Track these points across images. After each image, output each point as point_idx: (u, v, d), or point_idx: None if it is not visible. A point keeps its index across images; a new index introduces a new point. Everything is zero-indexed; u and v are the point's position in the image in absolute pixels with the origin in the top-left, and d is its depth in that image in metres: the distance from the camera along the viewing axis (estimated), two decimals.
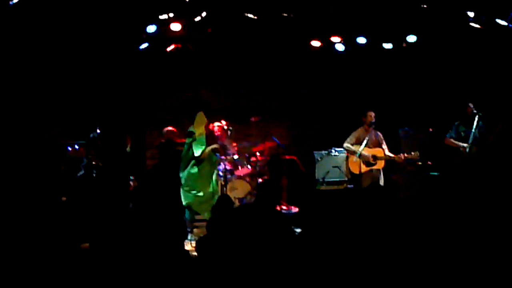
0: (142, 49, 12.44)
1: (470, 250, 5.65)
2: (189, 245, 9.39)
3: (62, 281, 5.43)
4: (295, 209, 12.28)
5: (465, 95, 11.95)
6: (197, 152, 10.65)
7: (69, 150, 11.81)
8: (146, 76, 13.59)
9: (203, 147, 10.65)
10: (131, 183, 11.94)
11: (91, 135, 11.54)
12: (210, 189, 10.66)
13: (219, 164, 11.40)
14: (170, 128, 12.31)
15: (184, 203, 10.54)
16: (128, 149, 11.85)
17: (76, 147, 11.78)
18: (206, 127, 10.82)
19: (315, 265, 5.54)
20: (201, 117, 10.92)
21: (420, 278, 5.30)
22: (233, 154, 12.01)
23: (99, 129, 11.51)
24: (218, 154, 10.97)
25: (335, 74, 14.52)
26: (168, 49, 12.85)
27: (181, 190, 10.66)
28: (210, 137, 10.84)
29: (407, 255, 5.57)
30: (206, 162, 10.66)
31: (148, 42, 12.35)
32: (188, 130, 11.10)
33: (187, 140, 11.16)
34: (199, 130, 10.82)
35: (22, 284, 5.42)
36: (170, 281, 5.39)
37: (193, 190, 10.57)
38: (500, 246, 5.70)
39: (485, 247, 5.69)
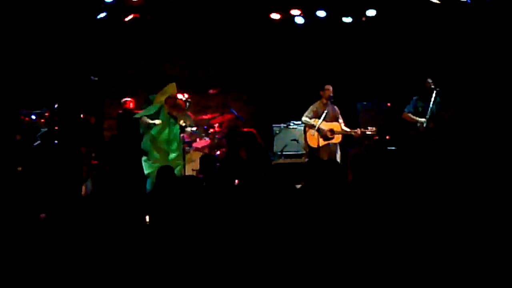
0: (100, 18, 12.29)
1: (423, 224, 5.69)
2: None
3: (17, 252, 5.37)
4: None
5: (423, 70, 12.01)
6: (138, 114, 10.64)
7: (25, 120, 11.66)
8: (104, 46, 13.44)
9: (149, 113, 10.59)
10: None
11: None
12: (169, 157, 10.55)
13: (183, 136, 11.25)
14: (128, 98, 12.24)
15: (145, 173, 10.47)
16: (92, 119, 11.80)
17: (33, 116, 11.64)
18: (170, 98, 10.71)
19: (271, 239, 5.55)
20: (171, 87, 10.82)
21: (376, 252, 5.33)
22: (192, 126, 11.94)
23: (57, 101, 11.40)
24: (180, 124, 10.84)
25: (295, 47, 14.50)
26: (127, 19, 12.70)
27: (142, 160, 10.59)
28: (175, 109, 10.76)
29: (365, 230, 5.60)
30: (160, 130, 10.57)
31: (106, 11, 12.20)
32: (149, 96, 11.07)
33: (143, 107, 11.12)
34: (160, 98, 10.73)
35: None
36: (129, 252, 5.36)
37: (150, 159, 10.50)
38: (453, 221, 5.74)
39: (439, 221, 5.74)
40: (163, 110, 10.64)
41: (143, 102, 12.05)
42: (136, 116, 10.79)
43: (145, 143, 10.59)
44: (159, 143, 10.54)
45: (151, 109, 10.68)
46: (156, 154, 10.51)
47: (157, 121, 10.52)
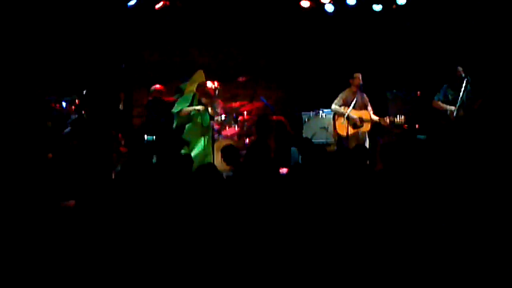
0: (131, 5, 12.33)
1: (455, 214, 5.66)
2: None
3: (46, 239, 5.42)
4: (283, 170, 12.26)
5: (454, 59, 11.93)
6: (176, 108, 10.65)
7: (56, 107, 11.73)
8: (134, 33, 13.48)
9: (186, 104, 10.62)
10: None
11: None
12: (197, 151, 10.58)
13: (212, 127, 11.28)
14: (157, 86, 12.26)
15: (193, 155, 10.48)
16: (120, 106, 11.83)
17: (64, 103, 11.71)
18: (200, 86, 10.74)
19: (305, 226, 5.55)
20: (199, 75, 10.85)
21: (404, 243, 5.31)
22: (220, 114, 11.96)
23: (86, 88, 11.45)
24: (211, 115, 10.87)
25: (324, 35, 14.45)
26: (157, 6, 12.73)
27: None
28: (204, 96, 10.79)
29: (395, 219, 5.58)
30: (194, 123, 10.61)
31: None
32: (179, 86, 11.10)
33: (175, 96, 11.15)
34: (190, 87, 10.77)
35: (7, 243, 5.40)
36: (159, 243, 5.38)
37: (193, 149, 10.54)
38: (484, 211, 5.70)
39: (471, 212, 5.70)
40: (196, 98, 10.68)
41: (173, 90, 12.09)
42: (174, 110, 10.78)
43: (188, 133, 10.62)
44: (196, 132, 10.59)
45: (185, 100, 10.70)
46: (199, 143, 10.57)
47: (198, 107, 10.57)
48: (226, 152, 8.10)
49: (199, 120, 10.58)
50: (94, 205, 5.97)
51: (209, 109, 10.83)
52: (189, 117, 10.66)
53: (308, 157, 7.75)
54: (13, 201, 6.60)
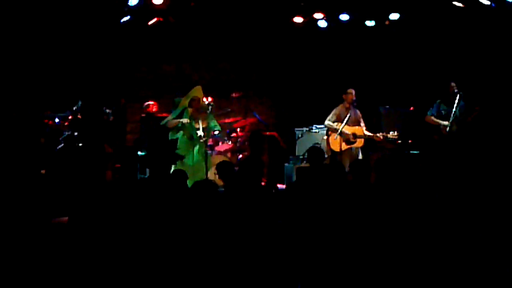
0: (124, 22, 12.34)
1: (448, 225, 5.67)
2: None
3: (38, 254, 5.40)
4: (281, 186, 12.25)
5: (447, 74, 11.96)
6: (165, 120, 10.69)
7: (49, 123, 11.73)
8: (127, 49, 13.49)
9: (172, 117, 10.69)
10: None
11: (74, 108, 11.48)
12: (190, 162, 10.60)
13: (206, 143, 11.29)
14: (150, 102, 12.28)
15: None
16: (111, 118, 11.85)
17: (56, 120, 11.70)
18: (194, 100, 10.78)
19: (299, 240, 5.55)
20: (194, 90, 10.90)
21: (400, 253, 5.32)
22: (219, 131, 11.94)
23: (81, 103, 11.44)
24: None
25: (317, 51, 14.47)
26: (150, 22, 12.74)
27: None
28: (197, 111, 10.83)
29: (391, 232, 5.58)
30: (183, 136, 10.64)
31: (130, 15, 12.25)
32: (175, 100, 11.14)
33: (171, 110, 11.21)
34: (184, 101, 10.81)
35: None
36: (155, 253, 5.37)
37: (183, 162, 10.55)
38: (477, 219, 5.72)
39: (463, 223, 5.72)
40: (186, 112, 10.71)
41: (166, 105, 12.12)
42: (162, 122, 10.80)
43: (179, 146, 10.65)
44: (185, 145, 10.61)
45: (174, 114, 10.77)
46: (188, 155, 10.60)
47: (184, 120, 10.61)
48: (221, 168, 8.08)
49: (188, 131, 10.63)
50: (87, 221, 5.96)
51: (200, 123, 10.85)
52: (178, 130, 10.69)
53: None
54: (6, 216, 6.58)
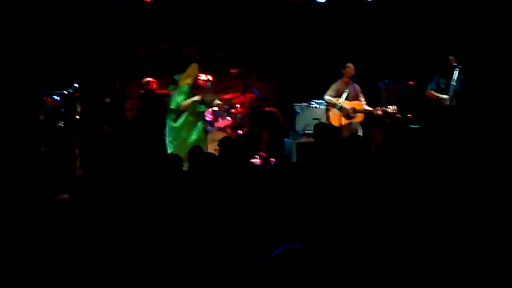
0: None
1: (448, 203, 5.66)
2: None
3: (40, 233, 5.40)
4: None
5: (445, 47, 11.94)
6: (174, 103, 10.60)
7: (47, 100, 11.71)
8: (125, 26, 13.44)
9: (182, 97, 10.58)
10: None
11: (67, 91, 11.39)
12: (195, 137, 10.58)
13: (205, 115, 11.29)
14: (149, 78, 12.25)
15: (168, 152, 10.48)
16: (107, 99, 11.81)
17: (56, 97, 11.66)
18: (195, 79, 10.72)
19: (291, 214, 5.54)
20: (193, 68, 10.83)
21: (398, 232, 5.31)
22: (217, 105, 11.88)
23: (77, 82, 11.39)
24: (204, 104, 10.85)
25: (315, 26, 14.44)
26: None
27: (166, 139, 10.64)
28: (197, 89, 10.77)
29: (390, 208, 5.57)
30: (190, 112, 10.60)
31: None
32: (174, 77, 11.07)
33: (169, 88, 11.13)
34: (185, 80, 10.74)
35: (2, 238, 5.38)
36: (151, 233, 5.37)
37: (176, 140, 10.52)
38: (479, 202, 5.71)
39: (463, 202, 5.70)
40: (191, 90, 10.66)
41: (165, 82, 12.09)
42: (172, 106, 10.69)
43: (170, 126, 10.60)
44: (187, 124, 10.58)
45: (182, 93, 10.66)
46: (182, 134, 10.55)
47: (196, 98, 10.57)
48: (224, 144, 8.06)
49: (195, 108, 10.61)
50: (87, 198, 5.96)
51: (207, 99, 10.84)
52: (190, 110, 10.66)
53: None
54: (7, 195, 6.58)
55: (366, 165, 6.85)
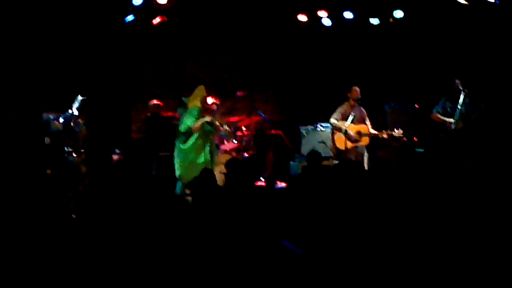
0: (128, 21, 12.34)
1: (455, 225, 5.65)
2: None
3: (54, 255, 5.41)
4: (281, 184, 12.21)
5: (451, 71, 11.96)
6: (184, 126, 10.56)
7: (53, 123, 11.72)
8: (131, 48, 13.48)
9: (192, 120, 10.54)
10: (115, 156, 11.92)
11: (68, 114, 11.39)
12: (202, 160, 10.54)
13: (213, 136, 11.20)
14: (155, 101, 12.25)
15: (176, 174, 10.46)
16: None
17: (61, 120, 11.68)
18: (203, 101, 10.67)
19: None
20: (200, 90, 10.79)
21: (406, 254, 5.30)
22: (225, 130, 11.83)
23: (82, 103, 11.38)
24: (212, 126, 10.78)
25: (322, 49, 14.48)
26: (154, 21, 12.74)
27: (174, 161, 10.61)
28: (206, 112, 10.71)
29: (397, 231, 5.57)
30: (199, 134, 10.55)
31: (133, 15, 12.26)
32: (182, 99, 11.05)
33: (178, 111, 11.10)
34: (193, 102, 10.70)
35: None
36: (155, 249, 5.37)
37: (184, 162, 10.48)
38: (484, 218, 5.71)
39: (470, 222, 5.70)
40: (200, 112, 10.59)
41: (171, 104, 12.10)
42: (182, 129, 10.63)
43: (179, 148, 10.56)
44: (196, 146, 10.54)
45: (192, 116, 10.61)
46: (191, 156, 10.50)
47: (206, 118, 10.51)
48: (231, 166, 8.03)
49: (203, 129, 10.57)
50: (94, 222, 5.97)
51: (216, 122, 10.79)
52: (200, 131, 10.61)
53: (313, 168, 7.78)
54: (13, 215, 6.58)
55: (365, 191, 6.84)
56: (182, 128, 10.56)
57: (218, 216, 6.03)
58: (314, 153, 9.14)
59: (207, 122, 10.52)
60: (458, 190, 6.90)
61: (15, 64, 11.83)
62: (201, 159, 10.51)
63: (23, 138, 10.88)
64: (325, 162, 12.17)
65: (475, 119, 11.16)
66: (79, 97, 11.24)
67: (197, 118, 10.53)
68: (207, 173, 7.60)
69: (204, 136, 10.61)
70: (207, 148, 10.64)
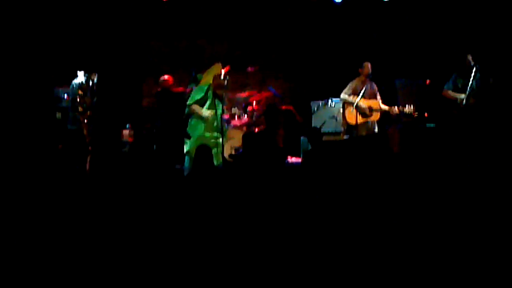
0: None
1: (464, 203, 5.65)
2: None
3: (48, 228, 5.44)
4: (292, 160, 12.19)
5: (463, 47, 11.90)
6: (190, 99, 10.52)
7: (64, 98, 11.76)
8: (142, 24, 13.46)
9: (200, 95, 10.48)
10: (126, 131, 11.95)
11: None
12: (211, 134, 10.43)
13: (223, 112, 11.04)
14: (166, 77, 12.23)
15: (185, 149, 10.42)
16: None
17: (65, 96, 11.71)
18: (216, 78, 10.56)
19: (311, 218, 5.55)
20: (216, 67, 10.71)
21: (415, 233, 5.30)
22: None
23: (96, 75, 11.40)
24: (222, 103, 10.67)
25: (333, 24, 14.42)
26: None
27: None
28: (219, 88, 10.59)
29: (408, 209, 5.57)
30: (208, 107, 10.48)
31: None
32: (196, 75, 11.01)
33: (189, 85, 11.08)
34: (206, 78, 10.65)
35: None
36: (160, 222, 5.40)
37: (193, 136, 10.42)
38: (493, 198, 5.70)
39: (480, 201, 5.69)
40: (210, 90, 10.50)
41: (182, 80, 12.10)
42: (189, 102, 10.60)
43: (189, 124, 10.51)
44: (206, 124, 10.45)
45: (200, 92, 10.54)
46: (199, 132, 10.42)
47: (207, 114, 10.40)
48: (247, 140, 7.99)
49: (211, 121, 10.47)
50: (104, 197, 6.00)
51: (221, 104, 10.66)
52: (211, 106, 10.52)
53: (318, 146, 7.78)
54: (22, 194, 6.61)
55: (384, 164, 6.85)
56: (189, 101, 10.54)
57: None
58: (314, 130, 9.12)
59: (206, 117, 10.36)
60: (467, 167, 6.89)
61: (28, 40, 11.85)
62: (210, 133, 10.40)
63: (36, 113, 10.92)
64: (336, 137, 12.23)
65: (487, 93, 11.11)
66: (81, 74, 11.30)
67: (205, 94, 10.47)
68: (202, 149, 7.59)
69: (213, 109, 10.50)
70: (216, 123, 10.48)
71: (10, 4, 11.46)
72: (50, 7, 11.92)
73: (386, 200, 5.71)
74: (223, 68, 10.83)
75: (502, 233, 5.09)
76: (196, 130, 10.43)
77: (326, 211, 5.57)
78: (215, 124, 10.39)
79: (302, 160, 8.55)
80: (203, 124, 10.39)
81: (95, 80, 11.37)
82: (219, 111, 10.43)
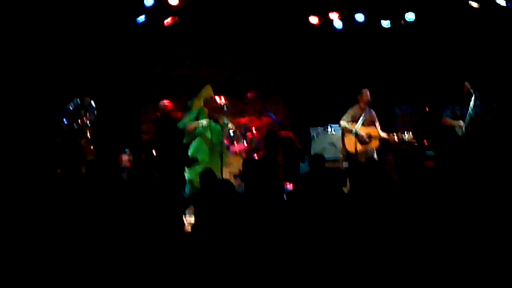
0: (140, 22, 12.38)
1: (464, 229, 5.64)
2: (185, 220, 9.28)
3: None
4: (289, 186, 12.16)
5: (462, 74, 11.93)
6: (181, 124, 10.49)
7: (64, 124, 11.76)
8: (143, 49, 13.51)
9: (190, 119, 10.42)
10: (125, 156, 11.94)
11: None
12: (209, 160, 10.37)
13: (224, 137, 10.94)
14: (165, 102, 12.25)
15: (186, 177, 10.38)
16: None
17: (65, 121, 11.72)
18: (207, 101, 10.54)
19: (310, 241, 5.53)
20: (206, 90, 10.72)
21: (416, 256, 5.30)
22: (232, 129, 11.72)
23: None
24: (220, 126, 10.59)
25: (333, 51, 14.47)
26: (166, 22, 12.76)
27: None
28: (214, 111, 10.57)
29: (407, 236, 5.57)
30: (204, 135, 10.44)
31: (145, 15, 12.29)
32: (188, 102, 11.02)
33: (183, 114, 11.08)
34: (197, 102, 10.65)
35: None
36: (163, 255, 5.39)
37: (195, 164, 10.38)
38: (494, 223, 5.69)
39: (480, 226, 5.68)
40: (203, 113, 10.47)
41: (181, 105, 12.12)
42: (179, 125, 10.60)
43: (193, 149, 10.47)
44: (204, 147, 10.42)
45: (190, 115, 10.54)
46: (201, 157, 10.38)
47: (203, 121, 10.37)
48: (247, 166, 7.96)
49: (208, 136, 10.44)
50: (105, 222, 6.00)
51: (223, 120, 10.57)
52: (196, 133, 10.47)
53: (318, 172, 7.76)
54: (21, 216, 6.60)
55: (384, 190, 6.83)
56: (180, 124, 10.51)
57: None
58: (317, 157, 9.08)
59: (202, 124, 10.34)
60: (467, 193, 6.88)
61: (28, 65, 11.89)
62: (209, 159, 10.35)
63: (35, 139, 10.94)
64: (335, 164, 12.20)
65: (490, 120, 11.09)
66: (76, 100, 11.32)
67: (195, 119, 10.42)
68: (207, 173, 7.57)
69: (208, 142, 10.45)
70: (214, 156, 10.42)
71: (15, 28, 11.52)
72: (52, 32, 11.98)
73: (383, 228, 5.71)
74: (219, 97, 10.85)
75: (500, 245, 5.10)
76: (199, 154, 10.40)
77: (321, 238, 5.56)
78: (214, 150, 10.36)
79: (295, 184, 8.50)
80: (206, 148, 10.37)
81: (91, 103, 11.39)
82: (218, 133, 10.39)
